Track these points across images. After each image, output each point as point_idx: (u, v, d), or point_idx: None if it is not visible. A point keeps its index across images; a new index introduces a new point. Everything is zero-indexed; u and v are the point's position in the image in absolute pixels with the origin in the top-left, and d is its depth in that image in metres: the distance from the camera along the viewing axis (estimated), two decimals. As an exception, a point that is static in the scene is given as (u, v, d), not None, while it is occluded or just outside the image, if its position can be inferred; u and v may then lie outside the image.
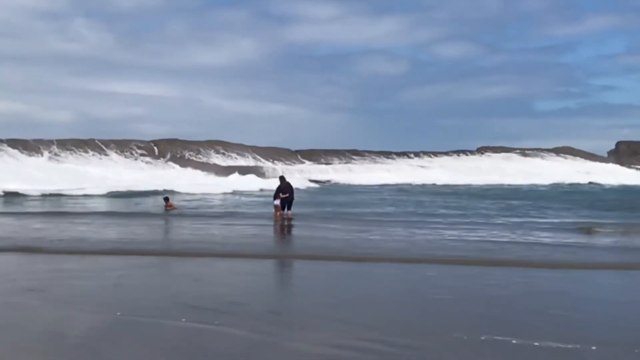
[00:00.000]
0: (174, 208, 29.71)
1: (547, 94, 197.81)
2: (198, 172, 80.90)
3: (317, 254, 14.67)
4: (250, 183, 59.54)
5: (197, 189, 49.64)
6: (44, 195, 42.85)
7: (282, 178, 27.11)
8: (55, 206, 33.11)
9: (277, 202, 25.74)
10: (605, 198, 45.35)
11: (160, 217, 26.24)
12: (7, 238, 17.44)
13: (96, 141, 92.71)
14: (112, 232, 19.98)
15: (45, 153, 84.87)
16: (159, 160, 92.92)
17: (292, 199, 26.12)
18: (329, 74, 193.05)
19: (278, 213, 25.53)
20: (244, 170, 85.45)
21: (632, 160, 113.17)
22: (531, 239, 17.86)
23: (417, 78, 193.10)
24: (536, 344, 6.99)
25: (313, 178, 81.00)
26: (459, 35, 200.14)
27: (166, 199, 30.59)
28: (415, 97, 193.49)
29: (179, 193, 46.45)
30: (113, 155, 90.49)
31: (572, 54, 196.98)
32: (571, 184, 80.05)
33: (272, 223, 23.63)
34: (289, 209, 25.80)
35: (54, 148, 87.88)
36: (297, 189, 33.09)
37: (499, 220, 24.58)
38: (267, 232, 20.95)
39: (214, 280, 11.46)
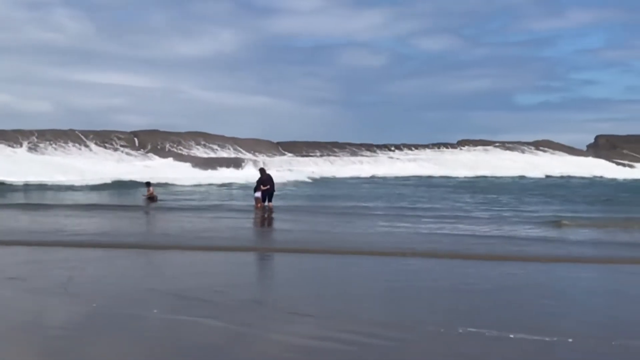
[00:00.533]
0: (154, 195, 29.62)
1: (527, 88, 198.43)
2: (183, 164, 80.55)
3: (297, 247, 14.71)
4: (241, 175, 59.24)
5: (187, 181, 49.50)
6: (27, 185, 42.64)
7: (262, 170, 27.28)
8: (41, 198, 32.92)
9: (258, 194, 25.83)
10: (583, 191, 45.79)
11: (144, 210, 26.16)
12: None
13: (76, 132, 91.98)
14: (94, 224, 19.91)
15: (25, 143, 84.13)
16: (139, 152, 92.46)
17: (273, 190, 26.21)
18: (311, 66, 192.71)
19: (259, 204, 25.58)
20: (224, 162, 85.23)
21: (610, 154, 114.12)
22: (505, 232, 18.00)
23: (399, 71, 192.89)
24: (511, 335, 7.09)
25: (294, 169, 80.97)
26: (440, 29, 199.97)
27: (148, 184, 30.61)
28: (397, 89, 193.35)
29: (172, 185, 46.12)
30: (93, 146, 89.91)
31: (553, 48, 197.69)
32: (549, 177, 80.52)
33: (252, 216, 23.70)
34: (269, 200, 25.87)
35: (34, 139, 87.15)
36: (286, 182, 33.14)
37: (476, 214, 24.74)
38: (247, 224, 20.97)
39: (195, 273, 11.46)
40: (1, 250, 14.01)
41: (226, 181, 51.53)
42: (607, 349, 6.73)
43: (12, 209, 25.63)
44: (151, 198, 29.37)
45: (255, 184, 26.45)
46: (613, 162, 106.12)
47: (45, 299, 8.98)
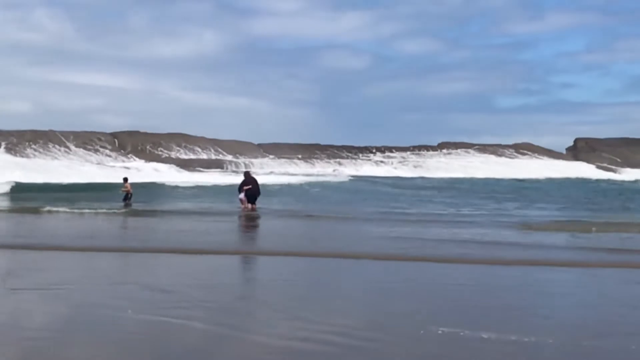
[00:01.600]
0: (130, 190, 30.11)
1: (507, 91, 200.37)
2: (167, 165, 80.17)
3: (281, 250, 14.70)
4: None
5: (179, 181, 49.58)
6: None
7: (247, 173, 27.87)
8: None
9: (242, 195, 26.17)
10: (555, 193, 46.29)
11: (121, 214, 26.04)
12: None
13: (56, 133, 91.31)
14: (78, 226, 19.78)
15: (3, 144, 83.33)
16: (119, 153, 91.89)
17: (258, 193, 26.41)
18: (292, 68, 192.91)
19: (245, 205, 26.03)
20: (205, 164, 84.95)
21: (589, 156, 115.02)
22: (468, 235, 18.04)
23: (380, 73, 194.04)
24: (485, 336, 7.11)
25: (275, 172, 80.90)
26: (421, 31, 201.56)
27: (125, 180, 31.22)
28: (378, 91, 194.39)
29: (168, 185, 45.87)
30: (72, 147, 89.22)
31: (533, 51, 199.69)
32: (525, 180, 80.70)
33: (237, 217, 23.98)
34: (253, 202, 25.98)
35: (13, 139, 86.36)
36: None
37: (450, 217, 24.90)
38: (233, 226, 20.94)
39: (177, 275, 11.40)
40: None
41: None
42: (577, 349, 6.76)
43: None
44: (127, 194, 30.02)
45: (239, 185, 26.91)
46: (594, 164, 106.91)
47: (29, 298, 8.88)
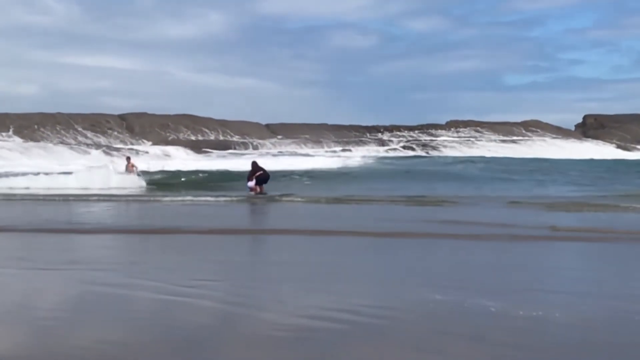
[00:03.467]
0: (135, 169, 30.58)
1: (516, 68, 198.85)
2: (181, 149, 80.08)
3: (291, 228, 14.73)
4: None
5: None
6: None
7: (254, 163, 28.24)
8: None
9: (252, 183, 26.69)
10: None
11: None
12: None
13: (64, 115, 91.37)
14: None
15: (11, 127, 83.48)
16: (126, 135, 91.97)
17: (268, 176, 26.98)
18: (299, 48, 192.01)
19: (256, 190, 26.75)
20: (213, 145, 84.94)
21: (598, 133, 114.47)
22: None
23: (388, 52, 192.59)
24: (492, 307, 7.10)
25: (284, 151, 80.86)
26: (428, 9, 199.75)
27: (128, 159, 31.65)
28: (386, 70, 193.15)
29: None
30: (80, 129, 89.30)
31: (541, 28, 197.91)
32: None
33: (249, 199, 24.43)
34: (261, 185, 27.01)
35: (21, 123, 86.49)
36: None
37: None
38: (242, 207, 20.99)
39: (187, 254, 11.44)
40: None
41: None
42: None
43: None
44: (131, 170, 30.53)
45: (248, 174, 27.43)
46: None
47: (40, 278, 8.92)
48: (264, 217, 19.51)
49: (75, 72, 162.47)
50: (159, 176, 33.18)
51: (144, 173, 31.45)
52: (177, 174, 36.40)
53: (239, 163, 44.52)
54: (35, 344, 6.12)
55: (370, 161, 59.30)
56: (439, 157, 77.19)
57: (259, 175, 26.91)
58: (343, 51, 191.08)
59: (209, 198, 23.70)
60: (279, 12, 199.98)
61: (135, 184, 29.10)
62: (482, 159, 64.13)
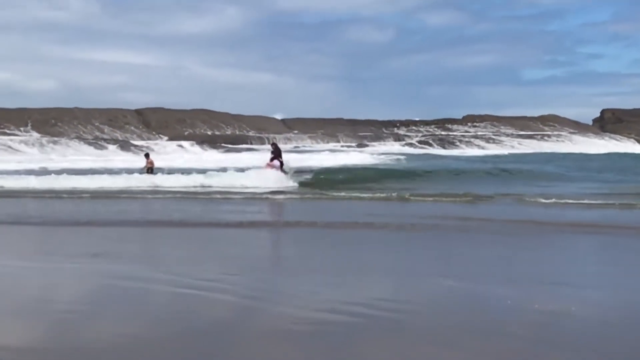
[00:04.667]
0: (153, 166, 30.70)
1: (534, 63, 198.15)
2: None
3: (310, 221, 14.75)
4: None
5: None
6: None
7: (276, 145, 30.49)
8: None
9: (277, 162, 28.51)
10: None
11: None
12: None
13: (82, 110, 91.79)
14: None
15: (29, 122, 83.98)
16: (143, 130, 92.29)
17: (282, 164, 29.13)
18: (315, 43, 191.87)
19: (273, 168, 28.47)
20: (229, 140, 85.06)
21: (616, 127, 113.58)
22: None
23: (404, 46, 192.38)
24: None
25: (299, 147, 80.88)
26: (445, 3, 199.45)
27: (147, 155, 31.74)
28: (402, 65, 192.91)
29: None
30: (98, 124, 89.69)
31: (560, 22, 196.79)
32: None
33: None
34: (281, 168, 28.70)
35: (39, 117, 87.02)
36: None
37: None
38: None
39: (202, 249, 11.49)
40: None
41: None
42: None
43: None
44: (150, 169, 30.60)
45: (273, 155, 28.98)
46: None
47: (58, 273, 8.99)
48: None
49: (93, 67, 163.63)
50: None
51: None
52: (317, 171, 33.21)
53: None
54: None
55: (401, 157, 57.01)
56: (479, 155, 71.22)
57: (282, 160, 28.73)
58: (359, 45, 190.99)
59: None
60: (295, 6, 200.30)
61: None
62: (543, 156, 58.27)
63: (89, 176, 28.89)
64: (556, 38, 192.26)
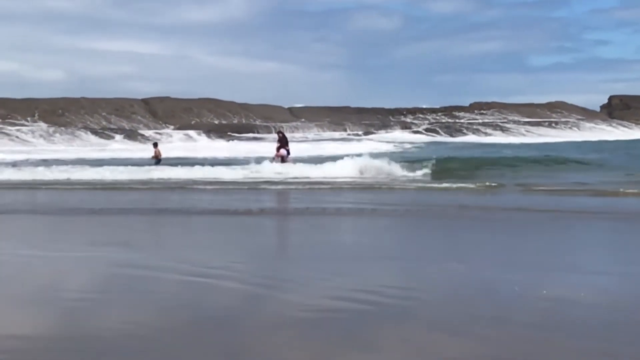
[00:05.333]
0: (160, 156, 30.65)
1: (540, 49, 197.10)
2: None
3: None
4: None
5: None
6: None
7: (282, 133, 30.88)
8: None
9: (284, 151, 29.04)
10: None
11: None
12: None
13: (88, 100, 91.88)
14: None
15: (37, 112, 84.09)
16: (150, 120, 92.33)
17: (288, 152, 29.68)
18: (321, 31, 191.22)
19: (280, 158, 29.00)
20: (236, 129, 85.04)
21: (623, 114, 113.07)
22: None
23: (410, 34, 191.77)
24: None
25: (307, 136, 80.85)
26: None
27: (155, 145, 31.72)
28: (409, 53, 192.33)
29: None
30: (105, 114, 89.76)
31: (566, 9, 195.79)
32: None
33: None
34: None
35: (46, 107, 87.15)
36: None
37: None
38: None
39: (208, 237, 11.51)
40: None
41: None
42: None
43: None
44: (157, 158, 30.60)
45: (280, 144, 29.25)
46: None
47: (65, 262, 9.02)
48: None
49: (99, 57, 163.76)
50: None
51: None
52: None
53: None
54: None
55: (422, 145, 55.31)
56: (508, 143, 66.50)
57: (288, 149, 29.23)
58: (365, 33, 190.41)
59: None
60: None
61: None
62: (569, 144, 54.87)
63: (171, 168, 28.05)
64: (563, 25, 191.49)
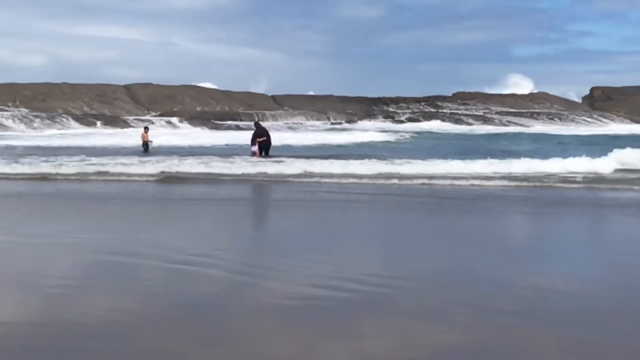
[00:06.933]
0: (149, 141, 30.03)
1: (524, 40, 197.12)
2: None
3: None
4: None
5: None
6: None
7: (257, 124, 28.48)
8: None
9: (255, 147, 26.02)
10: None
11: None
12: None
13: (70, 85, 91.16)
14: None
15: (17, 98, 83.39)
16: (133, 105, 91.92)
17: (270, 143, 26.48)
18: (305, 18, 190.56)
19: (256, 155, 25.57)
20: (218, 116, 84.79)
21: (605, 105, 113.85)
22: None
23: (395, 22, 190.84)
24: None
25: (288, 123, 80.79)
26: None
27: (146, 129, 31.34)
28: (392, 41, 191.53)
29: None
30: (87, 100, 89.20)
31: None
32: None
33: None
34: (266, 154, 25.97)
35: (27, 93, 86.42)
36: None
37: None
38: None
39: (188, 223, 11.50)
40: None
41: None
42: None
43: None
44: (146, 143, 29.94)
45: (251, 138, 26.78)
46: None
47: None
48: None
49: (81, 42, 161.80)
50: None
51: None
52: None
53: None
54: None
55: (416, 135, 53.61)
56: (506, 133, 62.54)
57: (262, 141, 26.20)
58: (349, 22, 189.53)
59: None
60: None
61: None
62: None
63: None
64: (547, 15, 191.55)
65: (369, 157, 24.44)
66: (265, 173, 19.98)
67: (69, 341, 5.41)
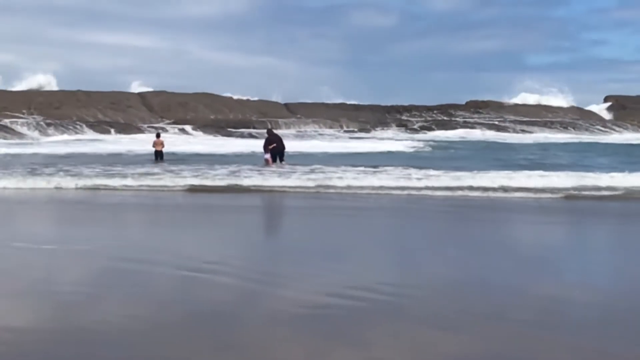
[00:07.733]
0: (162, 146, 29.81)
1: (538, 48, 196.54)
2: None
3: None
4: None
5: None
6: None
7: (269, 131, 28.30)
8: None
9: (268, 155, 25.95)
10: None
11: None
12: None
13: (84, 93, 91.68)
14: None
15: (32, 105, 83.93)
16: (146, 113, 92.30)
17: (283, 148, 26.56)
18: (319, 27, 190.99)
19: (270, 163, 25.66)
20: (232, 124, 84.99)
21: (619, 114, 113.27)
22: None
23: (408, 31, 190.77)
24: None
25: (302, 131, 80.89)
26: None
27: (158, 135, 31.20)
28: (406, 50, 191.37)
29: None
30: (101, 107, 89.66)
31: (565, 8, 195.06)
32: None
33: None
34: (281, 159, 26.05)
35: (42, 100, 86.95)
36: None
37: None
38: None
39: (200, 234, 11.52)
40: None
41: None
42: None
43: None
44: (159, 152, 29.48)
45: (263, 144, 26.72)
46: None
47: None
48: None
49: (96, 50, 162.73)
50: None
51: None
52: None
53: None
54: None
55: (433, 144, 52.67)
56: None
57: (273, 147, 25.95)
58: (363, 30, 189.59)
59: None
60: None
61: None
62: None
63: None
64: (561, 24, 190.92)
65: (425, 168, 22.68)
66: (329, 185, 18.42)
67: (82, 348, 5.42)
